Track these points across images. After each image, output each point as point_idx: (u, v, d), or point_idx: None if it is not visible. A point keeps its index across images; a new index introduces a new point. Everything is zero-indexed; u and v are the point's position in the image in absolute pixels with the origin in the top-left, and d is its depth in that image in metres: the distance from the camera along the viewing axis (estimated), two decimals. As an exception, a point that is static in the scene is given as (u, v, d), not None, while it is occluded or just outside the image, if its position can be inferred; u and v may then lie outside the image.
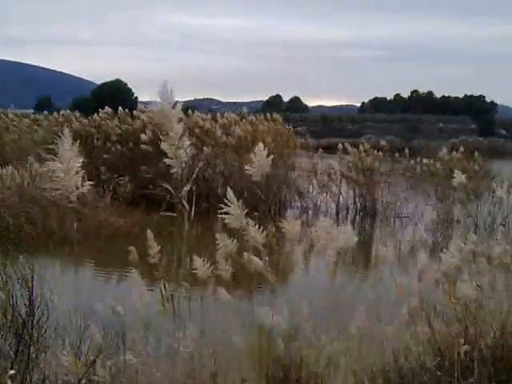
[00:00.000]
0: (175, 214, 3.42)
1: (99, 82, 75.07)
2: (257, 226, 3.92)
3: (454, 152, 18.48)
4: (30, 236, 11.99)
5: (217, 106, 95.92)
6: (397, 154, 19.90)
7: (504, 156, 36.01)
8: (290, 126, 20.84)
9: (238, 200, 3.82)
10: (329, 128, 73.59)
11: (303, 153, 21.17)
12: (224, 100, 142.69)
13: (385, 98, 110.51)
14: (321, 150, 21.39)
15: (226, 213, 3.85)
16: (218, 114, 20.72)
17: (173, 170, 3.30)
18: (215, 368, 4.06)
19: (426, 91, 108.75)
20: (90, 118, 21.79)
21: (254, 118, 20.34)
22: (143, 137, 17.52)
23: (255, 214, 4.12)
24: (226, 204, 3.82)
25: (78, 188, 3.29)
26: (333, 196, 19.08)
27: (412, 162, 19.16)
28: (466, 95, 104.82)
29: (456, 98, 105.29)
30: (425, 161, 18.77)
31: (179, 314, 4.03)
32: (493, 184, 17.51)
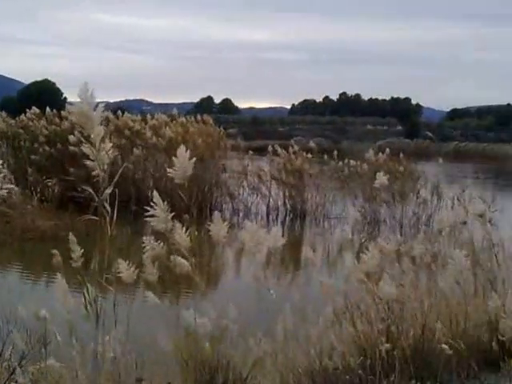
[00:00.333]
0: (96, 218, 3.36)
1: (29, 81, 73.21)
2: (184, 229, 3.90)
3: (381, 154, 18.92)
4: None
5: (148, 106, 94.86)
6: (325, 156, 20.21)
7: (429, 157, 37.03)
8: (221, 128, 20.89)
9: (168, 202, 3.79)
10: (260, 130, 73.99)
11: (234, 155, 21.23)
12: (155, 101, 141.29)
13: (314, 101, 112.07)
14: (251, 151, 21.50)
15: (152, 215, 3.82)
16: (149, 115, 20.52)
17: (94, 173, 3.25)
18: (141, 372, 4.02)
19: (354, 94, 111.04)
20: (17, 118, 21.23)
21: (184, 119, 20.25)
22: (71, 138, 17.16)
23: (185, 216, 4.10)
24: (152, 207, 3.79)
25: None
26: (263, 198, 19.21)
27: (340, 163, 19.48)
28: (392, 97, 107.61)
29: (383, 100, 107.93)
30: (352, 162, 19.12)
31: (104, 318, 3.96)
32: (417, 185, 18.03)
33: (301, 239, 16.21)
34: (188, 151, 3.74)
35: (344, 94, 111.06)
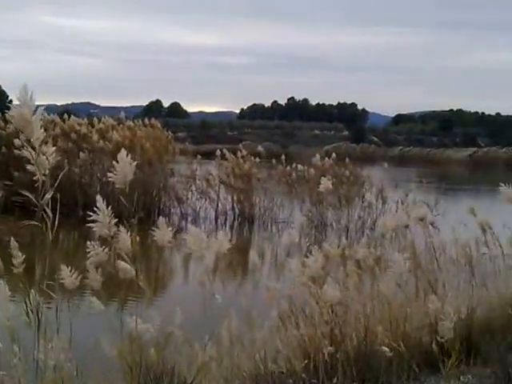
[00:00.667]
0: (37, 223, 3.31)
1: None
2: (128, 234, 3.87)
3: (327, 158, 19.16)
4: None
5: (96, 110, 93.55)
6: (274, 160, 20.33)
7: (375, 162, 37.63)
8: (170, 132, 20.76)
9: (115, 207, 3.76)
10: (209, 134, 74.01)
11: (183, 159, 21.14)
12: (103, 104, 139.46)
13: (263, 105, 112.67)
14: (200, 156, 21.47)
15: (96, 221, 3.78)
16: (96, 119, 20.26)
17: (35, 177, 3.20)
18: (84, 379, 3.97)
19: (301, 98, 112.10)
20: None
21: (132, 123, 20.06)
22: (17, 141, 16.78)
23: (132, 221, 4.06)
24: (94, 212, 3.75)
25: None
26: (212, 202, 19.19)
27: (288, 168, 19.63)
28: (339, 103, 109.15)
29: (330, 105, 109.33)
30: (300, 167, 19.30)
31: (47, 325, 3.90)
32: (363, 189, 18.31)
33: (249, 243, 16.26)
34: (130, 156, 3.71)
35: (292, 98, 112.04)
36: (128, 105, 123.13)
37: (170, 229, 4.25)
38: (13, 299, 4.09)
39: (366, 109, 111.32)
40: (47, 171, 3.18)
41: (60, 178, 3.47)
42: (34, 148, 3.13)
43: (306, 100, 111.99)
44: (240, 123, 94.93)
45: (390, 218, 5.96)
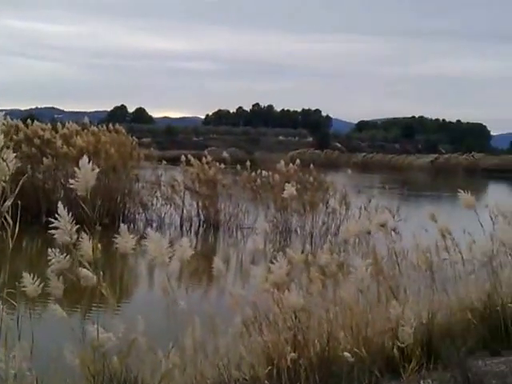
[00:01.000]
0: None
1: None
2: (91, 241, 3.84)
3: (292, 164, 19.26)
4: None
5: (60, 115, 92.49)
6: (239, 166, 20.36)
7: (338, 168, 37.98)
8: (135, 137, 20.65)
9: (78, 213, 3.73)
10: (174, 140, 73.77)
11: (148, 164, 21.03)
12: (67, 109, 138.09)
13: (228, 111, 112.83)
14: (165, 161, 21.39)
15: (57, 227, 3.75)
16: (59, 124, 20.03)
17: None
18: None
19: (266, 105, 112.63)
20: None
21: (96, 128, 19.89)
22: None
23: (97, 227, 4.03)
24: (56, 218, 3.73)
25: None
26: (177, 208, 19.13)
27: (253, 174, 19.68)
28: (303, 109, 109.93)
29: (295, 111, 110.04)
30: (264, 173, 19.37)
31: (8, 333, 3.85)
32: (327, 195, 18.45)
33: (214, 249, 16.24)
34: (94, 161, 3.70)
35: (257, 104, 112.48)
36: (92, 110, 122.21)
37: (133, 235, 4.24)
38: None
39: (330, 115, 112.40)
40: (7, 177, 3.15)
41: (23, 183, 3.44)
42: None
43: (270, 106, 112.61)
44: (205, 129, 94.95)
45: (353, 224, 6.03)
